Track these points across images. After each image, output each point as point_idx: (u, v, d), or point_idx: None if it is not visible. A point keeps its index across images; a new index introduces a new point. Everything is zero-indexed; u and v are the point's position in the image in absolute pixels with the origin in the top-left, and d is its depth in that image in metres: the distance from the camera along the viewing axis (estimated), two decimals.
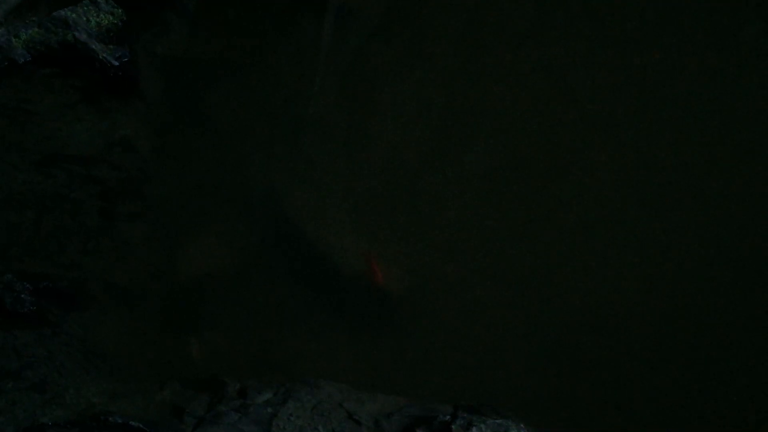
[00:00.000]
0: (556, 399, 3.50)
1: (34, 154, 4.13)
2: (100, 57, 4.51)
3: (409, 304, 3.81)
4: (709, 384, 3.48)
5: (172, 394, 3.23)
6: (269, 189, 4.24)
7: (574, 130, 4.56)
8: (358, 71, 5.15)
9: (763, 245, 3.91)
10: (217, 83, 4.83)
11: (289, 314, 3.81)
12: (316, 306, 3.82)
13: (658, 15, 5.31)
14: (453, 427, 2.93)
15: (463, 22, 5.55)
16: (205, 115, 4.62)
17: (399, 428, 3.02)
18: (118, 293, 3.74)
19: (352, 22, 5.71)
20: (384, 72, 5.09)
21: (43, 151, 4.16)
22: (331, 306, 3.84)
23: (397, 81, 4.97)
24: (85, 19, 4.62)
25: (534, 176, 4.32)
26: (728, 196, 4.12)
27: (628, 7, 5.48)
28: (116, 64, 4.55)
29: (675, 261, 3.91)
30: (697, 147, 4.39)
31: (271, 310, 3.82)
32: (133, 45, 4.77)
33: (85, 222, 3.95)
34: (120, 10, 4.77)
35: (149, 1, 5.10)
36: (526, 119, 4.64)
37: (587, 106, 4.73)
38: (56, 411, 3.06)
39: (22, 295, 3.38)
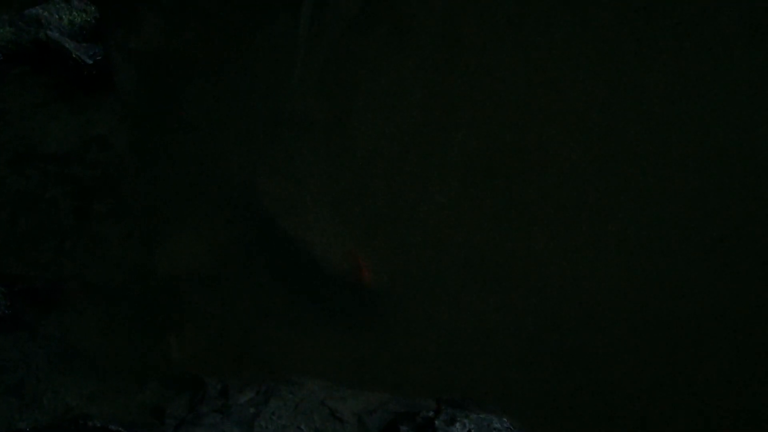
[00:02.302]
0: (540, 391, 3.49)
1: (8, 154, 4.08)
2: (74, 55, 4.45)
3: (391, 297, 3.79)
4: (695, 375, 3.50)
5: (152, 395, 3.19)
6: (248, 184, 4.20)
7: (555, 120, 4.55)
8: (337, 64, 5.12)
9: (747, 234, 3.93)
10: (194, 78, 4.78)
11: (269, 311, 3.77)
12: (297, 302, 3.79)
13: (636, 5, 5.32)
14: (436, 422, 2.92)
15: (442, 13, 5.53)
16: (182, 111, 4.58)
17: (382, 424, 3.01)
18: (96, 293, 3.69)
19: (330, 15, 5.67)
20: (363, 64, 5.06)
21: (17, 150, 4.10)
22: (313, 301, 3.81)
23: (377, 73, 4.95)
24: (57, 16, 4.56)
25: (516, 167, 4.31)
26: (711, 185, 4.14)
27: None
28: (90, 62, 4.49)
29: (657, 251, 3.92)
30: (678, 136, 4.40)
31: (251, 307, 3.78)
32: (107, 42, 4.71)
33: (60, 221, 3.89)
34: (93, 7, 4.71)
35: None
36: (507, 110, 4.62)
37: (568, 95, 4.72)
38: (34, 415, 3.02)
39: None
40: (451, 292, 3.82)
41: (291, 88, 4.89)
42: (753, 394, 3.38)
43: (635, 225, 4.00)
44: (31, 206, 3.89)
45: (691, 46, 4.85)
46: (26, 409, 3.04)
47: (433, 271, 3.89)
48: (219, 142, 4.40)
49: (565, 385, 3.49)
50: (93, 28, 4.69)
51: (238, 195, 4.18)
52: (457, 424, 2.89)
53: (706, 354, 3.54)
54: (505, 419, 2.97)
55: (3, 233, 3.80)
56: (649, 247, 3.92)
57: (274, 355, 3.61)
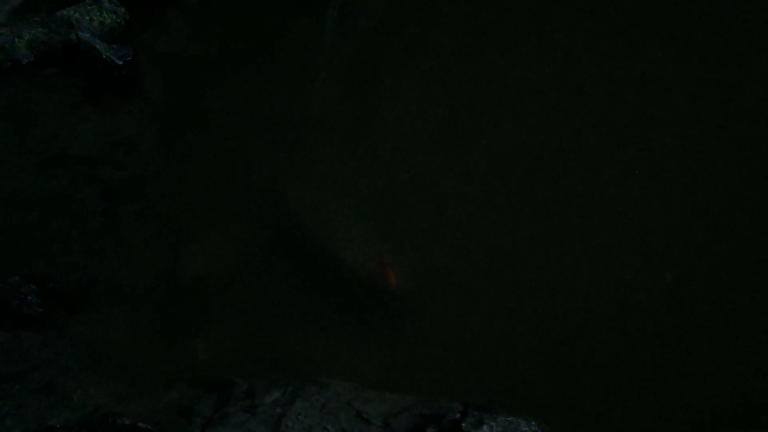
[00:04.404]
0: (565, 395, 3.47)
1: (38, 155, 4.12)
2: (104, 56, 4.49)
3: (416, 301, 3.78)
4: (721, 381, 3.45)
5: (180, 395, 3.21)
6: (272, 186, 4.21)
7: (579, 125, 4.52)
8: (361, 67, 5.13)
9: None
10: (220, 81, 4.81)
11: (294, 313, 3.78)
12: (322, 304, 3.79)
13: (663, 6, 5.27)
14: (463, 425, 2.90)
15: (466, 17, 5.52)
16: (208, 114, 4.60)
17: (408, 427, 3.00)
18: (123, 294, 3.72)
19: (354, 19, 5.68)
20: (387, 68, 5.07)
21: (47, 151, 4.15)
22: (337, 304, 3.81)
23: (400, 77, 4.94)
24: (88, 18, 4.60)
25: (539, 172, 4.28)
26: (736, 192, 4.09)
27: (634, 2, 5.45)
28: (119, 63, 4.53)
29: (686, 257, 3.88)
30: (706, 136, 4.35)
31: (276, 309, 3.79)
32: (136, 44, 4.75)
33: (89, 223, 3.93)
34: (123, 9, 4.76)
35: (152, 0, 5.08)
36: (530, 115, 4.60)
37: (592, 100, 4.69)
38: (64, 413, 3.05)
39: (28, 297, 3.36)
40: (476, 296, 3.81)
41: (315, 90, 4.91)
42: None
43: (663, 229, 3.96)
44: (60, 208, 3.94)
45: (719, 46, 4.79)
46: (56, 407, 3.07)
47: (457, 274, 3.88)
48: (244, 144, 4.42)
49: (591, 389, 3.47)
50: (122, 30, 4.74)
51: (263, 197, 4.20)
52: (485, 427, 2.88)
53: (734, 362, 3.50)
54: (533, 422, 2.95)
55: (33, 234, 3.85)
56: (677, 252, 3.88)
57: (299, 356, 3.61)
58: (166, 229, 4.04)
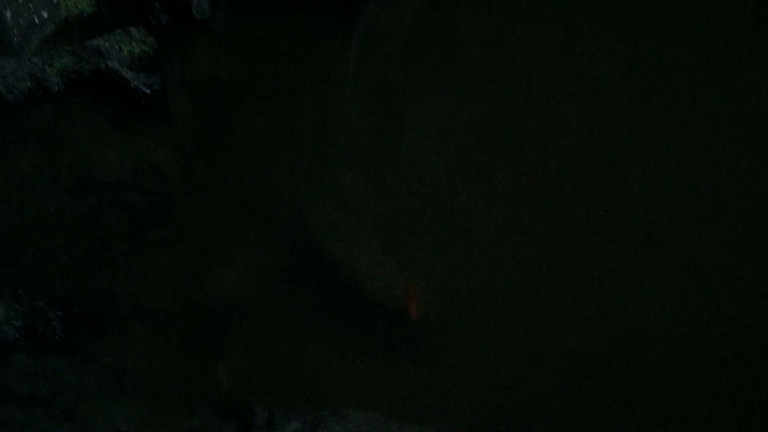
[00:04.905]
0: (591, 424, 3.42)
1: (66, 180, 4.20)
2: (132, 85, 4.58)
3: (439, 327, 3.76)
4: (753, 410, 3.38)
5: (201, 422, 3.22)
6: (297, 211, 4.24)
7: (605, 151, 4.50)
8: (385, 91, 5.16)
9: None
10: (246, 107, 4.87)
11: (317, 339, 3.78)
12: (344, 330, 3.79)
13: (691, 32, 5.23)
14: None
15: (490, 44, 5.52)
16: (234, 139, 4.65)
17: None
18: (147, 318, 3.76)
19: (379, 43, 5.73)
20: (411, 91, 5.09)
21: (75, 177, 4.22)
22: (360, 330, 3.81)
23: (425, 100, 4.96)
24: (117, 47, 4.70)
25: (565, 196, 4.25)
26: None
27: (660, 25, 5.42)
28: (147, 91, 4.62)
29: (713, 282, 3.82)
30: (736, 163, 4.30)
31: (299, 335, 3.80)
32: (164, 71, 4.83)
33: (115, 247, 3.98)
34: (152, 38, 4.85)
35: (180, 28, 5.17)
36: (555, 139, 4.58)
37: (618, 126, 4.66)
38: None
39: (54, 322, 3.41)
40: (499, 322, 3.78)
41: (339, 115, 4.95)
42: None
43: (689, 252, 3.92)
44: (86, 232, 4.00)
45: (750, 76, 4.74)
46: None
47: (481, 300, 3.85)
48: (269, 169, 4.46)
49: (617, 418, 3.41)
50: (151, 58, 4.82)
51: (287, 222, 4.22)
52: None
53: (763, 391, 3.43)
54: None
55: (60, 258, 3.91)
56: (704, 277, 3.82)
57: (320, 383, 3.61)
58: (190, 254, 4.08)
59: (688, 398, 3.46)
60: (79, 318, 3.58)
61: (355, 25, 5.79)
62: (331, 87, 5.16)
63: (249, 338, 3.78)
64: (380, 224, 4.18)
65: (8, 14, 4.64)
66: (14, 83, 4.54)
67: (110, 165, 4.35)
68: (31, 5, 4.78)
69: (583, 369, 3.57)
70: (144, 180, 4.29)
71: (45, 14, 4.85)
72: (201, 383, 3.57)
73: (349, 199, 4.29)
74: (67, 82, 4.65)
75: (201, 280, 3.97)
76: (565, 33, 5.63)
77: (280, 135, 4.66)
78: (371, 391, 3.53)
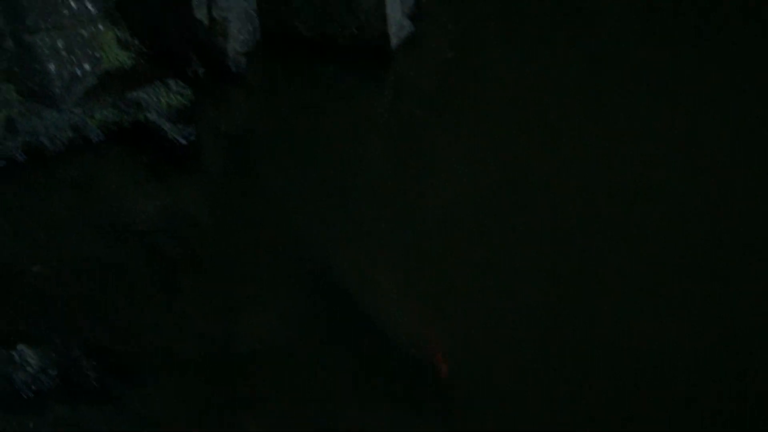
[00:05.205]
0: None
1: (103, 229, 4.30)
2: (169, 136, 4.72)
3: (467, 378, 3.74)
4: None
5: None
6: (324, 258, 4.28)
7: (630, 194, 4.53)
8: (411, 136, 5.24)
9: None
10: (277, 156, 4.97)
11: (343, 388, 3.77)
12: (371, 380, 3.78)
13: (715, 70, 5.28)
14: None
15: (514, 90, 5.61)
16: (265, 188, 4.74)
17: None
18: (178, 366, 3.79)
19: (406, 94, 5.84)
20: (436, 137, 5.17)
21: (111, 225, 4.32)
22: (387, 380, 3.79)
23: (450, 148, 5.04)
24: (156, 99, 4.86)
25: (590, 242, 4.27)
26: None
27: (689, 65, 5.47)
28: (183, 142, 4.75)
29: (742, 321, 3.80)
30: (758, 210, 4.30)
31: (325, 384, 3.79)
32: (200, 123, 4.97)
33: (147, 295, 4.05)
34: (189, 91, 5.00)
35: (215, 80, 5.33)
36: (580, 185, 4.61)
37: (644, 170, 4.68)
38: None
39: (88, 371, 3.46)
40: (530, 372, 3.75)
41: (367, 163, 5.02)
42: None
43: (721, 298, 3.91)
44: (120, 279, 4.07)
45: None
46: None
47: (509, 348, 3.83)
48: (298, 217, 4.52)
49: None
50: (188, 110, 4.97)
51: (315, 269, 4.26)
52: None
53: None
54: None
55: (94, 304, 3.98)
56: (725, 315, 3.81)
57: None
58: (220, 301, 4.12)
59: None
60: (112, 366, 3.63)
61: (385, 77, 5.92)
62: (359, 133, 5.25)
63: (277, 386, 3.78)
64: (405, 270, 4.20)
65: (52, 67, 4.82)
66: (56, 133, 4.70)
67: (145, 213, 4.45)
68: (74, 58, 4.96)
69: (607, 414, 3.53)
70: (177, 228, 4.38)
71: (87, 67, 5.03)
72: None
73: (376, 246, 4.33)
74: (106, 133, 4.79)
75: (230, 327, 4.00)
76: (591, 77, 5.70)
77: (310, 183, 4.74)
78: None
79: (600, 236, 4.29)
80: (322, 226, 4.42)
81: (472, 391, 3.69)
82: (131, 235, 4.29)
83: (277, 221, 4.49)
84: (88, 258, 4.15)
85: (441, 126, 5.29)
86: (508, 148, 4.99)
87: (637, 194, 4.54)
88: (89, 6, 5.12)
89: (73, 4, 5.01)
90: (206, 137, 4.97)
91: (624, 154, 4.83)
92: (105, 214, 4.40)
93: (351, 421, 3.62)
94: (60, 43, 4.87)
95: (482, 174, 4.77)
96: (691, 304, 3.92)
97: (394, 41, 5.95)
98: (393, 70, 5.94)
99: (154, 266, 4.17)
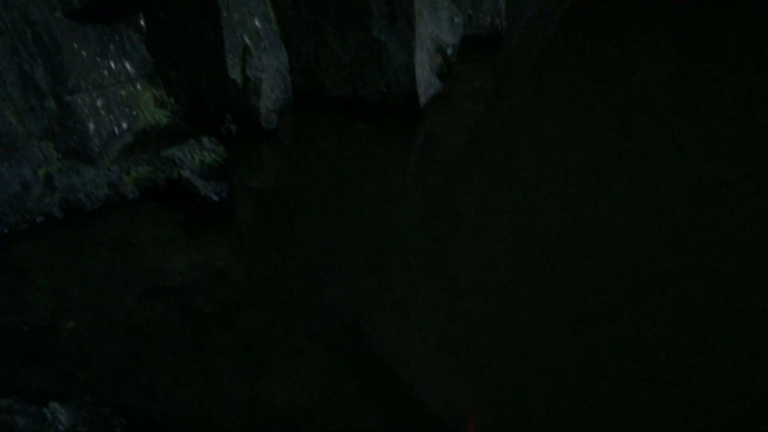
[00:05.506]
0: None
1: (136, 286, 4.33)
2: (202, 193, 4.78)
3: None
4: None
5: None
6: (355, 316, 4.26)
7: (660, 253, 4.47)
8: (442, 194, 5.25)
9: None
10: (308, 212, 5.00)
11: None
12: None
13: (748, 133, 5.25)
14: None
15: (542, 148, 5.63)
16: (296, 244, 4.76)
17: None
18: (207, 426, 3.76)
19: (436, 151, 5.88)
20: (466, 194, 5.17)
21: (145, 282, 4.36)
22: None
23: (479, 203, 5.03)
24: (190, 157, 4.95)
25: (620, 303, 4.20)
26: None
27: (717, 129, 5.45)
28: (216, 199, 4.81)
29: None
30: None
31: None
32: (232, 179, 5.04)
33: (179, 353, 4.04)
34: (221, 148, 5.09)
35: (248, 137, 5.42)
36: (613, 243, 4.57)
37: (679, 227, 4.64)
38: None
39: (117, 429, 3.45)
40: None
41: (397, 219, 5.03)
42: None
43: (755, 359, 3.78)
44: (153, 338, 4.08)
45: None
46: None
47: (541, 415, 3.74)
48: (329, 273, 4.52)
49: None
50: (220, 167, 5.05)
51: (345, 327, 4.23)
52: None
53: None
54: None
55: (126, 363, 3.98)
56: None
57: None
58: (252, 360, 4.11)
59: None
60: (142, 425, 3.61)
61: (414, 134, 5.98)
62: (389, 190, 5.27)
63: None
64: (435, 330, 4.15)
65: (91, 126, 4.95)
66: (93, 190, 4.79)
67: (178, 271, 4.48)
68: (112, 117, 5.10)
69: None
70: (209, 286, 4.40)
71: (125, 125, 5.16)
72: None
73: (405, 303, 4.30)
74: (141, 190, 4.87)
75: (262, 386, 3.97)
76: (623, 135, 5.70)
77: (341, 239, 4.76)
78: None
79: (636, 297, 4.23)
80: (354, 286, 4.41)
81: None
82: (164, 292, 4.31)
83: (308, 280, 4.49)
84: (122, 315, 4.18)
85: (470, 183, 5.31)
86: (537, 203, 4.99)
87: (678, 256, 4.49)
88: (128, 66, 5.28)
89: (112, 64, 5.17)
90: (238, 194, 5.02)
91: (655, 213, 4.80)
92: (139, 271, 4.44)
93: None
94: (99, 103, 5.01)
95: (512, 232, 4.76)
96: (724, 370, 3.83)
97: (422, 99, 6.04)
98: (422, 127, 6.01)
99: (186, 324, 4.18)
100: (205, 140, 5.11)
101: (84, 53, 4.91)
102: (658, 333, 4.03)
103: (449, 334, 4.14)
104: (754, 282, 4.31)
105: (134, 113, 5.20)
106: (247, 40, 5.47)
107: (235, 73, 5.44)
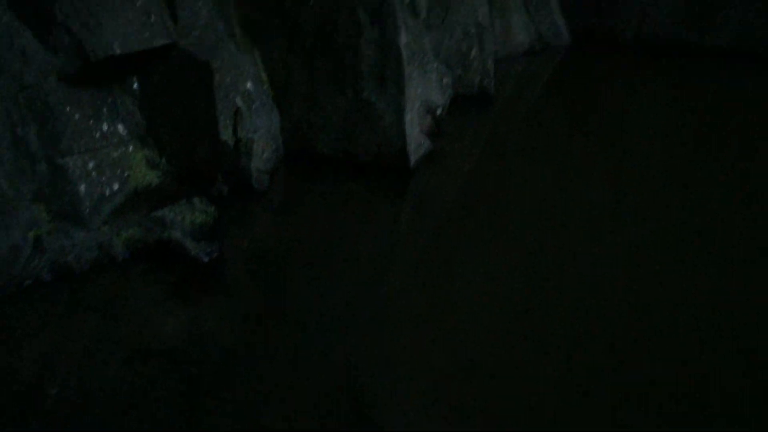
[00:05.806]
0: None
1: (124, 349, 4.26)
2: (193, 254, 4.76)
3: None
4: None
5: None
6: (348, 376, 4.19)
7: (660, 305, 4.47)
8: (435, 252, 5.25)
9: None
10: (300, 272, 4.98)
11: None
12: None
13: (743, 205, 5.30)
14: None
15: (536, 202, 5.67)
16: (287, 305, 4.72)
17: None
18: None
19: (427, 209, 5.92)
20: (459, 251, 5.17)
21: (133, 345, 4.29)
22: None
23: (473, 260, 5.03)
24: (180, 217, 4.94)
25: (617, 353, 4.20)
26: None
27: (709, 197, 5.51)
28: (206, 260, 4.78)
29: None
30: None
31: None
32: (223, 240, 5.02)
33: (168, 416, 3.95)
34: (212, 208, 5.09)
35: (239, 198, 5.44)
36: (607, 297, 4.57)
37: (668, 284, 4.63)
38: None
39: None
40: None
41: (390, 278, 5.01)
42: None
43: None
44: (141, 402, 3.99)
45: None
46: None
47: None
48: (321, 333, 4.47)
49: None
50: (211, 227, 5.04)
51: (339, 387, 4.16)
52: None
53: None
54: None
55: (114, 427, 3.89)
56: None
57: None
58: (242, 423, 4.02)
59: None
60: None
61: (405, 193, 6.03)
62: (382, 249, 5.27)
63: None
64: (433, 395, 4.09)
65: (82, 188, 4.96)
66: (82, 253, 4.76)
67: (166, 333, 4.42)
68: (103, 179, 5.11)
69: None
70: (198, 348, 4.33)
71: (116, 186, 5.17)
72: None
73: (399, 361, 4.25)
74: (131, 251, 4.85)
75: None
76: (615, 195, 5.75)
77: (334, 298, 4.72)
78: None
79: (633, 347, 4.22)
80: (347, 346, 4.36)
81: None
82: (153, 355, 4.24)
83: (300, 341, 4.44)
84: (109, 380, 4.09)
85: (462, 241, 5.33)
86: (531, 256, 5.00)
87: (667, 309, 4.49)
88: (120, 128, 5.32)
89: (105, 126, 5.21)
90: (229, 254, 5.01)
91: (649, 277, 4.81)
92: (127, 335, 4.38)
93: None
94: (91, 165, 5.03)
95: (507, 283, 4.77)
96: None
97: (413, 158, 6.11)
98: (413, 185, 6.06)
99: (174, 388, 4.10)
100: (196, 201, 5.12)
101: (77, 116, 4.95)
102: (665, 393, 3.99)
103: (447, 394, 4.08)
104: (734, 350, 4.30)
105: (126, 174, 5.22)
106: (239, 102, 5.55)
107: (226, 134, 5.49)
